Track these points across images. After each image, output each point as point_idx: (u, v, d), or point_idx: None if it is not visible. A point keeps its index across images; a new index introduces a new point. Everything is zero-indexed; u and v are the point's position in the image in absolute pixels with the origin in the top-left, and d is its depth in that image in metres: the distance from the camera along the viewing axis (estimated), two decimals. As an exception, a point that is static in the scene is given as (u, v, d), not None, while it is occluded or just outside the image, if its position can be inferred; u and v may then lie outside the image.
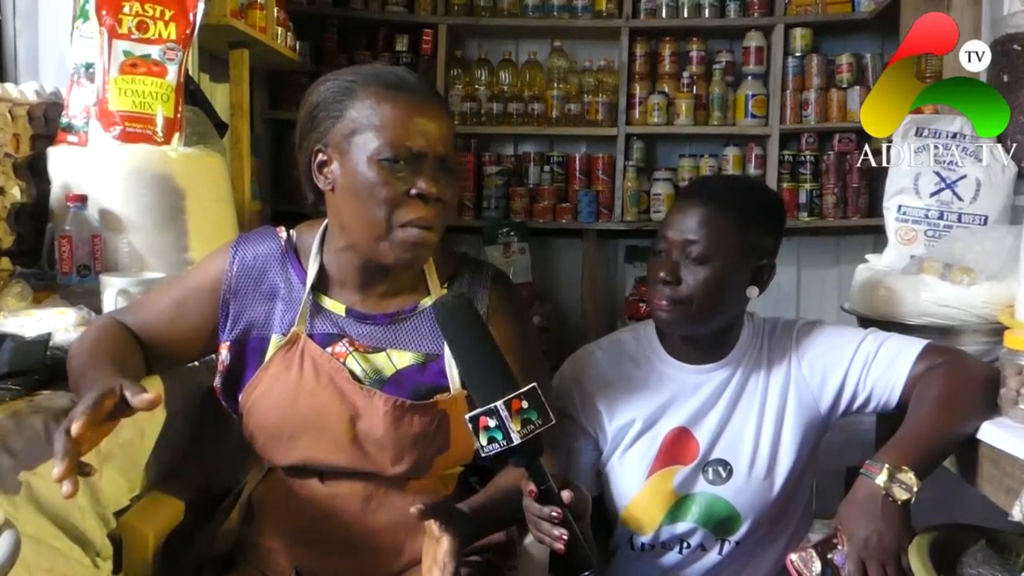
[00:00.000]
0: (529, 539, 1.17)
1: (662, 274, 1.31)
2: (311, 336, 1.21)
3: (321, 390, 1.18)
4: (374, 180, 1.12)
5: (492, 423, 0.93)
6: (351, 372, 1.19)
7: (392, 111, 1.13)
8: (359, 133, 1.14)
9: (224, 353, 1.24)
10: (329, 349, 1.20)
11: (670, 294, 1.30)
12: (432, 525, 1.02)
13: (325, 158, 1.17)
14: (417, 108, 1.15)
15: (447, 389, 1.20)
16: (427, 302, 1.23)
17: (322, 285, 1.24)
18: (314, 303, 1.23)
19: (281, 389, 1.19)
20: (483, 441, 0.94)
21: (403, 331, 1.23)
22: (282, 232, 1.28)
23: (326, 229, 1.24)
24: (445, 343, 1.12)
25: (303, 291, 1.22)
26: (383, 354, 1.21)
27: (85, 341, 1.21)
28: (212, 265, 1.27)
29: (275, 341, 1.22)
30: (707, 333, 1.37)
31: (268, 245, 1.26)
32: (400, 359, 1.22)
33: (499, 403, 0.93)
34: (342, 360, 1.20)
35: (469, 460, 1.26)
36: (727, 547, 1.38)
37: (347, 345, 1.21)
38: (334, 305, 1.23)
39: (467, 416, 0.95)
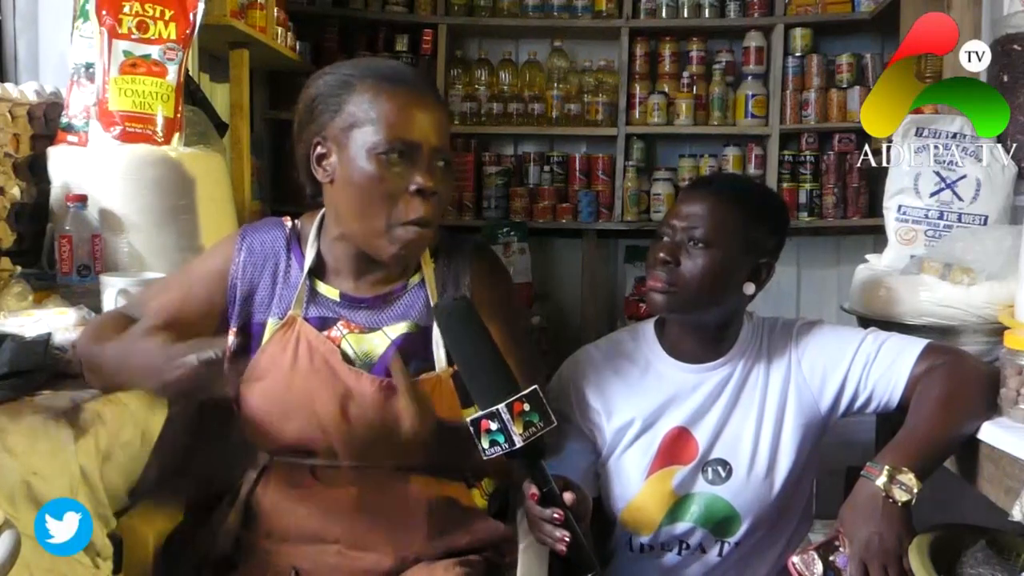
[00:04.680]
0: (529, 538, 1.17)
1: (662, 254, 1.31)
2: (307, 320, 1.24)
3: (315, 372, 1.21)
4: (372, 174, 1.15)
5: (494, 426, 0.94)
6: (344, 354, 1.22)
7: (389, 105, 1.16)
8: (357, 127, 1.16)
9: (231, 339, 1.27)
10: (325, 333, 1.23)
11: (666, 276, 1.31)
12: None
13: (324, 151, 1.20)
14: (413, 101, 1.17)
15: (432, 367, 1.23)
16: (416, 279, 1.28)
17: (319, 271, 1.28)
18: (310, 288, 1.26)
19: (276, 371, 1.22)
20: (485, 444, 0.94)
21: (395, 308, 1.27)
22: (287, 221, 1.32)
23: (323, 217, 1.28)
24: (444, 342, 1.13)
25: (301, 277, 1.26)
26: (379, 332, 1.25)
27: (101, 332, 1.22)
28: (220, 252, 1.30)
29: (271, 325, 1.25)
30: (703, 328, 1.37)
31: (273, 234, 1.30)
32: (395, 330, 1.25)
33: (501, 406, 0.94)
34: (337, 344, 1.23)
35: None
36: (726, 548, 1.38)
37: (342, 328, 1.24)
38: (328, 291, 1.26)
39: (469, 419, 0.95)
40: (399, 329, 1.25)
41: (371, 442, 1.20)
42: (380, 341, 1.24)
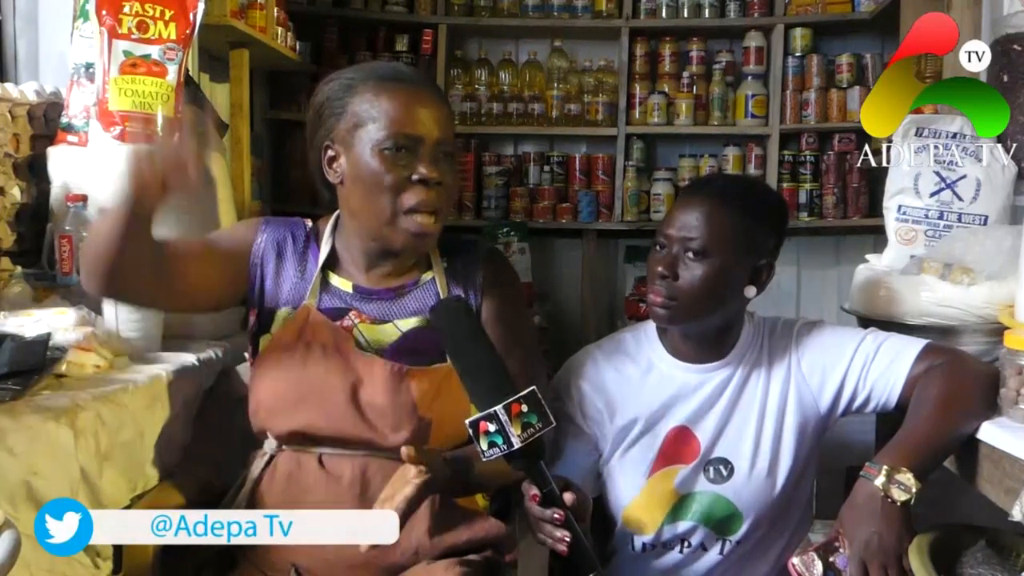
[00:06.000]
0: (529, 538, 1.18)
1: (660, 269, 1.31)
2: (320, 310, 1.27)
3: (327, 358, 1.24)
4: (377, 169, 1.19)
5: (492, 428, 0.94)
6: (355, 341, 1.25)
7: (389, 102, 1.20)
8: (361, 127, 1.21)
9: (252, 319, 1.31)
10: (337, 322, 1.27)
11: (666, 290, 1.31)
12: (410, 467, 1.08)
13: (333, 153, 1.24)
14: (413, 97, 1.22)
15: (443, 360, 1.25)
16: (428, 276, 1.31)
17: (332, 265, 1.31)
18: (323, 281, 1.30)
19: (288, 358, 1.25)
20: (484, 446, 0.95)
21: (407, 302, 1.29)
22: (308, 223, 1.36)
23: (338, 216, 1.32)
24: (445, 347, 1.13)
25: (315, 270, 1.29)
26: (390, 324, 1.28)
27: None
28: (244, 228, 1.35)
29: (283, 314, 1.29)
30: (705, 331, 1.37)
31: (293, 230, 1.34)
32: (405, 324, 1.28)
33: (498, 407, 0.94)
34: (348, 332, 1.26)
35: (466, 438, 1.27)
36: (728, 547, 1.38)
37: (353, 318, 1.27)
38: (342, 283, 1.30)
39: (467, 421, 0.96)
40: (410, 323, 1.28)
41: (382, 426, 1.22)
42: (390, 331, 1.27)
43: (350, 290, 1.29)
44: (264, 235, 1.32)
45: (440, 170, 1.21)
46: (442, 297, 1.28)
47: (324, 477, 1.24)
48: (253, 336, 1.31)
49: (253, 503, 1.30)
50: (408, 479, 1.09)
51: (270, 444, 1.30)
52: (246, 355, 1.34)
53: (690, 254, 1.30)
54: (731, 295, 1.33)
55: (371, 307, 1.28)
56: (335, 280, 1.30)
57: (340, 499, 1.23)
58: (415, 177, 1.19)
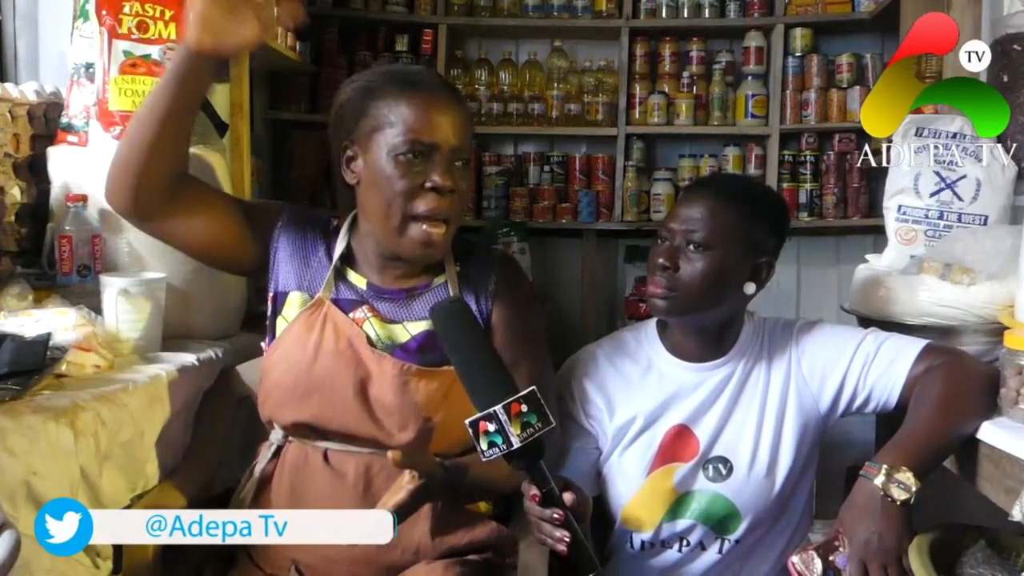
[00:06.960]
0: (530, 538, 1.18)
1: (661, 260, 1.32)
2: (334, 301, 1.28)
3: (339, 353, 1.24)
4: (392, 174, 1.20)
5: (492, 427, 0.94)
6: (367, 336, 1.25)
7: (408, 108, 1.20)
8: (379, 130, 1.21)
9: (268, 306, 1.32)
10: (350, 315, 1.27)
11: (666, 281, 1.31)
12: (406, 472, 1.08)
13: (352, 154, 1.25)
14: (432, 104, 1.21)
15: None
16: (440, 280, 1.31)
17: (348, 261, 1.32)
18: (339, 274, 1.30)
19: (300, 350, 1.25)
20: (483, 445, 0.95)
21: (418, 305, 1.30)
22: (333, 220, 1.37)
23: (355, 215, 1.32)
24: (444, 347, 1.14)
25: (331, 262, 1.30)
26: (400, 325, 1.28)
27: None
28: (267, 207, 1.37)
29: (295, 297, 1.29)
30: (705, 328, 1.37)
31: (314, 221, 1.35)
32: (415, 327, 1.28)
33: (498, 407, 0.94)
34: (360, 325, 1.26)
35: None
36: (727, 545, 1.38)
37: (366, 312, 1.28)
38: (357, 279, 1.31)
39: (467, 421, 0.96)
40: (420, 327, 1.28)
41: (389, 424, 1.22)
42: (400, 332, 1.28)
43: (364, 287, 1.30)
44: (284, 218, 1.33)
45: (454, 178, 1.21)
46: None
47: (329, 473, 1.25)
48: (270, 320, 1.32)
49: (260, 495, 1.30)
50: (402, 485, 1.09)
51: (276, 435, 1.30)
52: (263, 344, 1.33)
53: (692, 247, 1.31)
54: (730, 290, 1.34)
55: (383, 306, 1.29)
56: (351, 275, 1.31)
57: (344, 496, 1.23)
58: (428, 184, 1.20)
